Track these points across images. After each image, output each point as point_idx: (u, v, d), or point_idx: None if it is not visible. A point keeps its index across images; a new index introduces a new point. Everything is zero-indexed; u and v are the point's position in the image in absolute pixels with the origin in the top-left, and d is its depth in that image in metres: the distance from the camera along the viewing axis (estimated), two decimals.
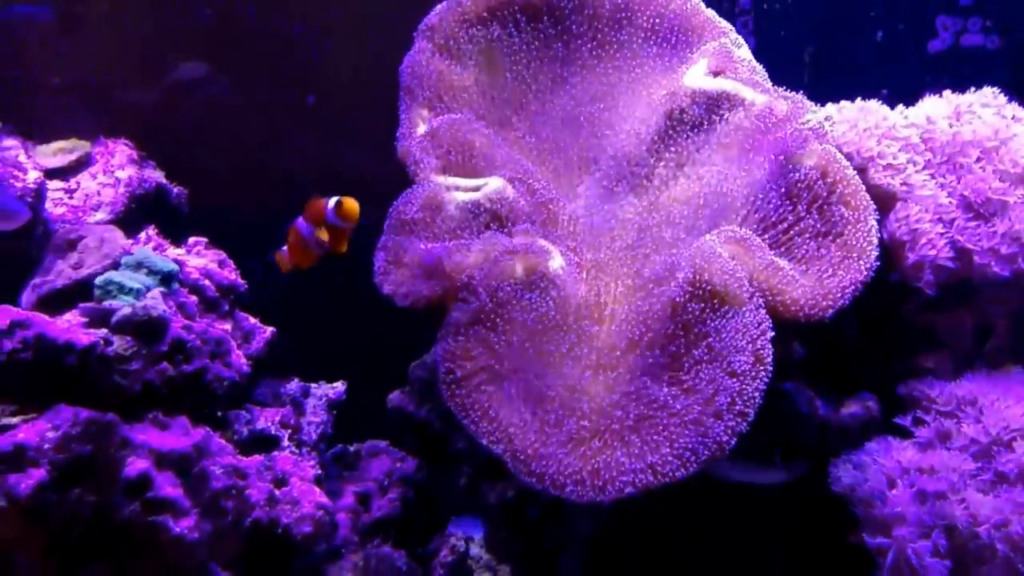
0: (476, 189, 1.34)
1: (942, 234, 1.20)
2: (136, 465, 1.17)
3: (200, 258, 1.48)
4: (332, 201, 1.26)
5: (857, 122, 1.30)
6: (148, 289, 1.31)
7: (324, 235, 1.25)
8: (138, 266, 1.35)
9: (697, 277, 1.12)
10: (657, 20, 1.48)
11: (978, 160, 1.27)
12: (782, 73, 1.40)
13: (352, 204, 1.27)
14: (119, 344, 1.20)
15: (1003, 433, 1.11)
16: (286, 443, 1.49)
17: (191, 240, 1.51)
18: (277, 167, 1.95)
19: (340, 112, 1.94)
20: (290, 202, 1.94)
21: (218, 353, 1.32)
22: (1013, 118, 1.37)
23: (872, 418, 1.23)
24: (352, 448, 1.67)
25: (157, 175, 1.62)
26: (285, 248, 1.32)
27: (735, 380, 1.08)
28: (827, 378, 1.29)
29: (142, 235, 1.50)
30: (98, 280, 1.28)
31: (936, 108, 1.39)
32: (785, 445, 1.22)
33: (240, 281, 1.50)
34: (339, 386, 1.64)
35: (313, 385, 1.63)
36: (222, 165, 1.88)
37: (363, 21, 1.91)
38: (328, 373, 1.69)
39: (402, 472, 1.64)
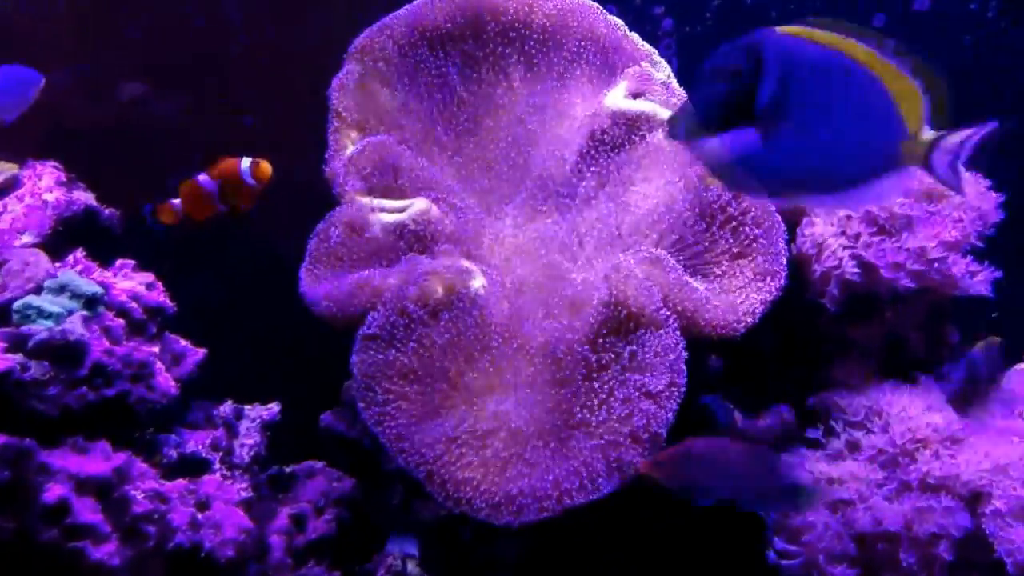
0: (401, 210, 1.35)
1: (846, 248, 1.23)
2: (55, 491, 1.16)
3: (128, 280, 1.47)
4: (247, 160, 1.31)
5: None
6: (70, 313, 1.30)
7: (245, 195, 1.29)
8: (61, 289, 1.34)
9: (613, 298, 1.15)
10: (583, 44, 1.51)
11: None
12: None
13: (267, 164, 1.33)
14: (36, 369, 1.19)
15: (908, 443, 1.14)
16: (217, 466, 1.48)
17: (118, 263, 1.50)
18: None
19: (286, 129, 1.94)
20: (233, 218, 1.95)
21: (141, 376, 1.31)
22: None
23: (787, 429, 1.26)
24: (288, 469, 1.66)
25: (87, 197, 1.60)
26: (176, 202, 1.34)
27: (650, 402, 1.10)
28: (745, 390, 1.32)
29: (70, 258, 1.49)
30: (16, 304, 1.27)
31: None
32: None
33: (169, 303, 1.50)
34: (273, 407, 1.63)
35: (247, 407, 1.62)
36: (163, 183, 1.87)
37: (310, 38, 1.92)
38: (263, 394, 1.68)
39: (339, 492, 1.63)
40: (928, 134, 0.81)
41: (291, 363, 1.82)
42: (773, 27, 0.85)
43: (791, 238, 1.26)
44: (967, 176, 1.32)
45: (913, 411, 1.17)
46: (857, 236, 1.22)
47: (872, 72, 0.80)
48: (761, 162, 0.81)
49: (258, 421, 1.60)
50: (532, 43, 1.53)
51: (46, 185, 1.55)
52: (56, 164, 1.60)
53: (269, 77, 1.90)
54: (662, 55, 1.49)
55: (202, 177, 1.35)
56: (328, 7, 1.87)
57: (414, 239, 1.33)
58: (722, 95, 0.80)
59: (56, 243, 1.52)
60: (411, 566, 1.76)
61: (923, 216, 1.23)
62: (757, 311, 1.15)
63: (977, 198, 1.27)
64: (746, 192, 0.99)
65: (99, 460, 1.21)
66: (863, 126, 0.81)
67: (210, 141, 1.87)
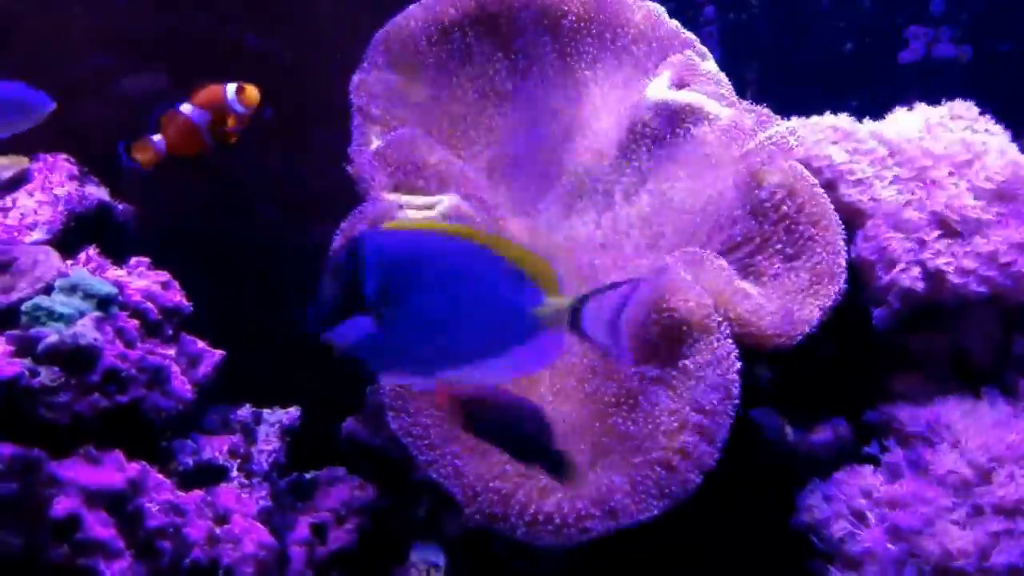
0: (429, 207, 1.28)
1: (912, 252, 1.15)
2: (64, 504, 1.10)
3: (143, 279, 1.40)
4: (232, 86, 1.21)
5: (824, 136, 1.25)
6: (81, 314, 1.23)
7: (232, 121, 1.20)
8: (73, 289, 1.28)
9: (659, 303, 1.07)
10: (620, 32, 1.43)
11: (950, 175, 1.22)
12: (748, 85, 1.36)
13: (254, 88, 1.24)
14: (46, 375, 1.13)
15: (981, 462, 1.05)
16: (235, 474, 1.41)
17: (133, 261, 1.43)
18: (233, 181, 1.88)
19: (300, 125, 1.88)
20: (247, 216, 1.88)
21: (156, 381, 1.25)
22: (986, 131, 1.33)
23: (843, 444, 1.18)
24: (308, 476, 1.60)
25: (100, 192, 1.54)
26: (156, 137, 1.24)
27: (702, 416, 1.02)
28: (797, 402, 1.24)
29: (82, 256, 1.42)
30: (25, 306, 1.20)
31: (906, 121, 1.34)
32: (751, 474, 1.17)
33: (186, 303, 1.43)
34: (293, 411, 1.56)
35: (266, 411, 1.55)
36: (176, 180, 1.82)
37: (324, 31, 1.85)
38: (283, 397, 1.62)
39: (361, 501, 1.57)
40: (567, 298, 0.89)
41: (312, 365, 1.76)
42: (377, 227, 1.06)
43: (849, 240, 1.17)
44: None
45: (982, 427, 1.08)
46: (923, 241, 1.13)
47: (488, 249, 0.89)
48: (379, 345, 0.90)
49: (277, 426, 1.53)
50: (566, 31, 1.45)
51: (58, 179, 1.48)
52: (68, 157, 1.54)
53: (288, 69, 1.84)
54: (704, 44, 1.41)
55: (185, 107, 1.24)
56: None
57: None
58: (336, 290, 0.90)
59: (68, 240, 1.46)
60: None
61: (993, 218, 1.14)
62: (815, 318, 1.07)
63: None
64: (375, 373, 1.04)
65: (112, 471, 1.15)
66: (482, 300, 0.89)
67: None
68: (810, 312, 1.07)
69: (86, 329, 1.18)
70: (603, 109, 1.43)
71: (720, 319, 1.05)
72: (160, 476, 1.19)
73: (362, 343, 0.90)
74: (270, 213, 1.87)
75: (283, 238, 1.82)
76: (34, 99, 1.26)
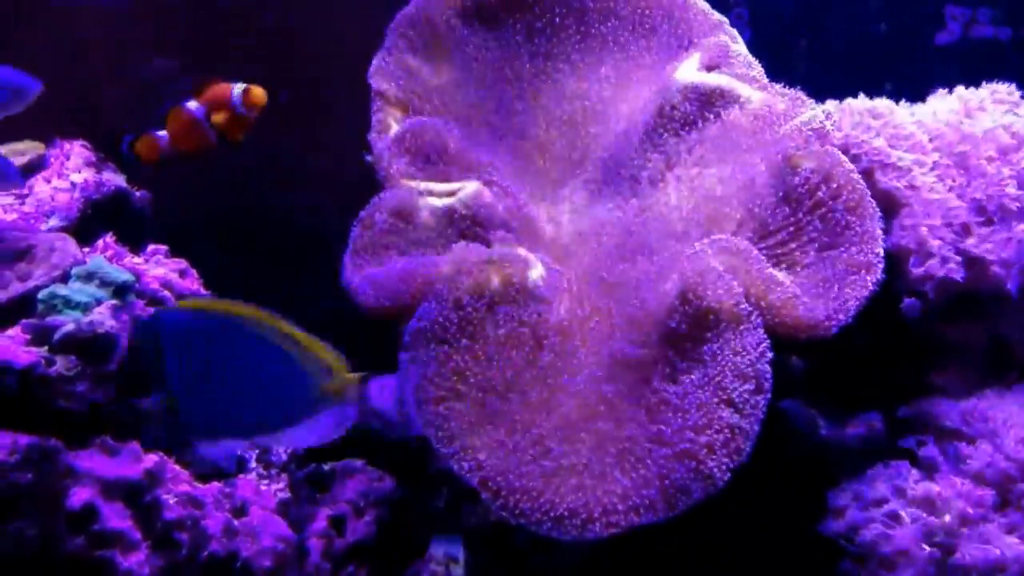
0: (451, 194, 1.25)
1: (951, 242, 1.10)
2: (80, 495, 1.08)
3: (160, 267, 1.39)
4: (239, 86, 1.19)
5: (861, 120, 1.21)
6: (99, 302, 1.21)
7: (237, 125, 1.19)
8: (90, 277, 1.26)
9: (688, 292, 1.03)
10: (647, 12, 1.39)
11: (992, 161, 1.17)
12: (779, 68, 1.31)
13: (260, 90, 1.25)
14: (62, 364, 1.11)
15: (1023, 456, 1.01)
16: (253, 464, 1.40)
17: (150, 248, 1.42)
18: (251, 167, 1.86)
19: (317, 109, 1.85)
20: (265, 203, 1.86)
21: None
22: None
23: (877, 439, 1.14)
24: (327, 467, 1.58)
25: (117, 178, 1.52)
26: (161, 133, 1.23)
27: (731, 409, 0.99)
28: (830, 395, 1.20)
29: (99, 243, 1.40)
30: (41, 294, 1.18)
31: (945, 105, 1.30)
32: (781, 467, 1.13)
33: (203, 291, 1.41)
34: None
35: None
36: (194, 167, 1.80)
37: (343, 13, 1.82)
38: None
39: (379, 492, 1.55)
40: (353, 376, 1.01)
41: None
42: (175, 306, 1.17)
43: (887, 228, 1.13)
44: None
45: (1022, 419, 1.04)
46: (965, 227, 1.09)
47: (269, 330, 1.00)
48: (184, 417, 0.99)
49: None
50: (591, 13, 1.41)
51: (74, 165, 1.46)
52: (85, 143, 1.52)
53: (307, 54, 1.81)
54: (733, 24, 1.37)
55: (191, 104, 1.24)
56: None
57: (465, 225, 1.23)
58: (145, 366, 0.99)
59: (85, 227, 1.44)
60: (456, 570, 1.68)
61: None
62: (851, 308, 1.03)
63: None
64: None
65: (129, 462, 1.13)
66: (265, 377, 0.99)
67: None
68: (846, 302, 1.03)
69: (103, 317, 1.16)
70: (629, 93, 1.39)
71: (751, 308, 1.02)
72: (177, 467, 1.18)
73: (162, 415, 1.01)
74: (288, 200, 1.84)
75: (304, 225, 1.79)
76: (22, 82, 1.25)
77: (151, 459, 1.14)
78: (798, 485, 1.15)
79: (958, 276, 1.10)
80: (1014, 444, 1.01)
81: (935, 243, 1.11)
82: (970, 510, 0.98)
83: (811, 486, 1.13)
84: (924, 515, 1.00)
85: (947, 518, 0.98)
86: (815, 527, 1.09)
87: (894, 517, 1.01)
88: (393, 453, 1.47)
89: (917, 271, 1.11)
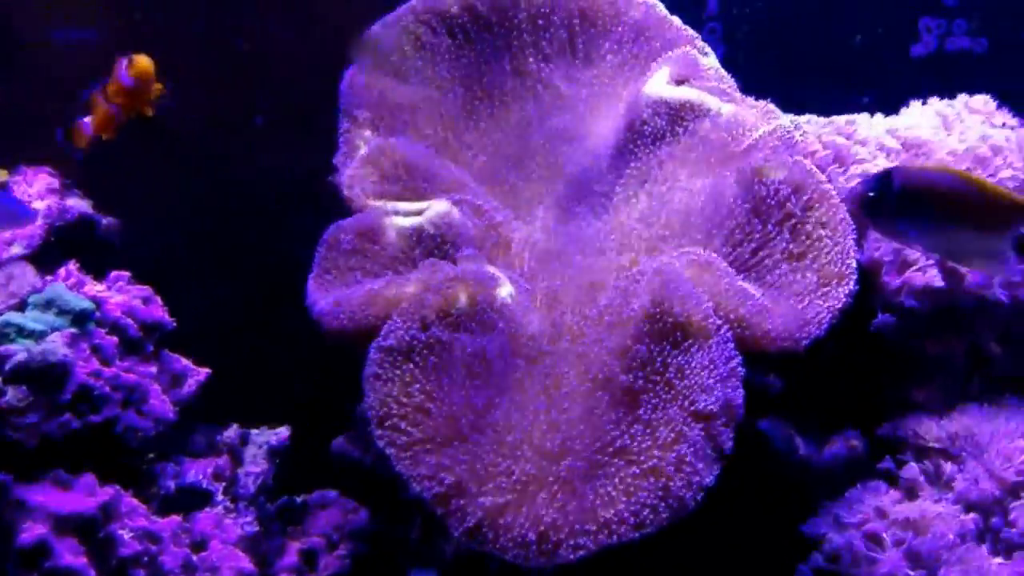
0: (418, 213, 1.22)
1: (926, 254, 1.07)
2: (33, 531, 1.04)
3: (122, 294, 1.35)
4: (124, 60, 1.19)
5: (835, 131, 1.19)
6: (55, 331, 1.18)
7: (115, 94, 1.19)
8: (48, 305, 1.23)
9: (656, 307, 1.00)
10: (617, 28, 1.38)
11: (969, 171, 1.15)
12: (755, 82, 1.29)
13: (143, 60, 1.20)
14: (12, 395, 1.08)
15: (1007, 476, 0.97)
16: (220, 498, 1.35)
17: (112, 275, 1.38)
18: (229, 188, 1.84)
19: (300, 126, 1.83)
20: (240, 227, 1.83)
21: (132, 401, 1.19)
22: (1004, 125, 1.27)
23: (857, 458, 1.10)
24: (299, 500, 1.53)
25: (82, 205, 1.49)
26: (86, 120, 1.23)
27: (700, 425, 0.95)
28: (808, 413, 1.16)
29: (62, 271, 1.37)
30: None
31: (921, 116, 1.28)
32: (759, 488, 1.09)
33: (168, 319, 1.37)
34: (282, 431, 1.50)
35: (254, 431, 1.49)
36: (170, 189, 1.78)
37: (319, 31, 1.81)
38: (272, 416, 1.56)
39: (354, 524, 1.50)
40: None
41: (302, 383, 1.70)
42: None
43: (861, 241, 1.10)
44: None
45: (1007, 438, 1.00)
46: None
47: None
48: None
49: (265, 447, 1.47)
50: (563, 29, 1.40)
51: (37, 192, 1.44)
52: (49, 169, 1.49)
53: (281, 76, 1.79)
54: (706, 40, 1.35)
55: (100, 91, 1.22)
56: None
57: (434, 245, 1.20)
58: None
59: (48, 254, 1.41)
60: None
61: None
62: (823, 321, 1.00)
63: None
64: None
65: (83, 495, 1.09)
66: None
67: (219, 143, 1.78)
68: (817, 315, 1.00)
69: (56, 346, 1.12)
70: (601, 109, 1.37)
71: (720, 322, 0.99)
72: (135, 501, 1.14)
73: None
74: (264, 223, 1.82)
75: (279, 248, 1.77)
76: (18, 210, 1.25)
77: (106, 492, 1.10)
78: (777, 505, 1.11)
79: (936, 287, 1.07)
80: (1000, 463, 0.98)
81: (912, 255, 1.08)
82: (952, 531, 0.94)
83: (790, 506, 1.09)
84: (908, 537, 0.96)
85: (929, 540, 0.93)
86: (794, 548, 1.05)
87: (876, 540, 0.97)
88: (365, 482, 1.42)
89: (893, 284, 1.08)
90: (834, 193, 1.07)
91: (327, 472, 1.49)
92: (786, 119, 1.15)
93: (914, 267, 1.08)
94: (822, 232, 1.04)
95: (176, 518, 1.17)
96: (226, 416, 1.50)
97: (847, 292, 1.01)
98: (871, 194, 0.98)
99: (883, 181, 0.98)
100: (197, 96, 1.78)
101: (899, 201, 0.98)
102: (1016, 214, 0.95)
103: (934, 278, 1.07)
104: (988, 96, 1.28)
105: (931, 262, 1.08)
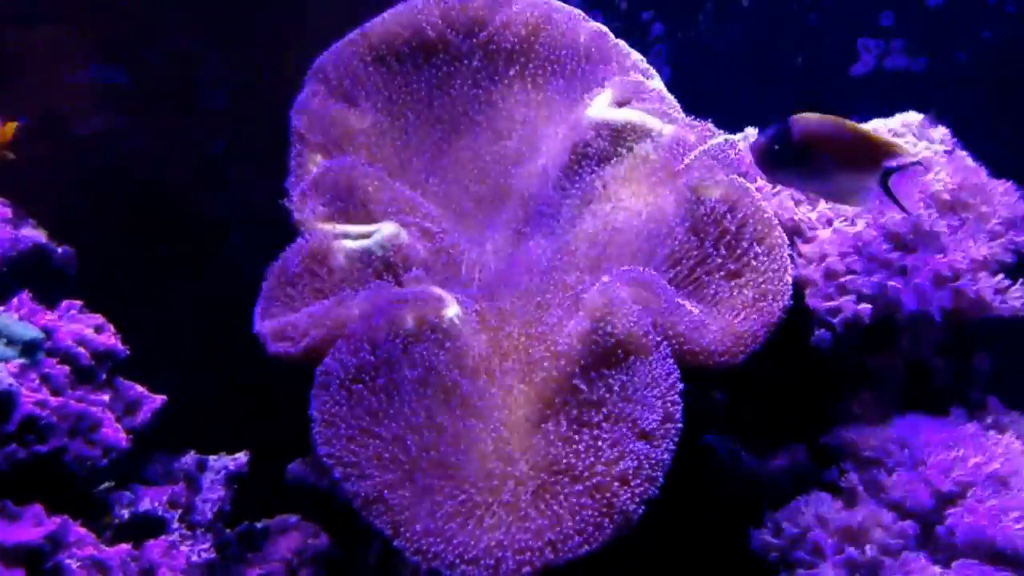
0: (367, 236, 1.23)
1: (861, 269, 1.10)
2: None
3: (75, 323, 1.35)
4: None
5: None
6: (3, 361, 1.17)
7: None
8: None
9: (598, 325, 1.02)
10: (564, 52, 1.40)
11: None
12: (702, 104, 1.32)
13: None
14: None
15: (945, 485, 0.99)
16: (175, 525, 1.35)
17: (65, 304, 1.38)
18: (186, 215, 1.84)
19: (262, 154, 1.85)
20: (204, 250, 1.84)
21: (80, 430, 1.19)
22: (941, 142, 1.29)
23: (802, 470, 1.12)
24: (260, 525, 1.53)
25: (36, 235, 1.49)
26: None
27: (643, 441, 0.96)
28: (754, 426, 1.18)
29: (14, 301, 1.37)
30: None
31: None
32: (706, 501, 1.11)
33: (120, 347, 1.37)
34: (241, 457, 1.50)
35: (211, 457, 1.48)
36: (132, 219, 1.78)
37: (284, 58, 1.83)
38: (232, 442, 1.55)
39: (314, 549, 1.50)
40: None
41: (262, 407, 1.70)
42: None
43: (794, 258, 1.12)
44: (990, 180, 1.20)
45: (942, 446, 1.02)
46: (875, 254, 1.08)
47: None
48: None
49: (223, 473, 1.47)
50: (512, 54, 1.42)
51: None
52: (2, 200, 1.49)
53: (243, 100, 1.81)
54: (652, 62, 1.38)
55: None
56: (303, 25, 1.78)
57: (383, 267, 1.21)
58: None
59: (1, 285, 1.41)
60: None
61: (947, 231, 1.09)
62: (759, 335, 1.02)
63: (1007, 207, 1.14)
64: None
65: (29, 526, 1.09)
66: None
67: (177, 169, 1.79)
68: (753, 329, 1.01)
69: (1, 376, 1.12)
70: (549, 131, 1.39)
71: (660, 339, 1.00)
72: (83, 530, 1.13)
73: None
74: (222, 248, 1.83)
75: (236, 273, 1.77)
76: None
77: (53, 522, 1.10)
78: (724, 517, 1.12)
79: (868, 304, 1.09)
80: (933, 473, 0.99)
81: (843, 271, 1.11)
82: (891, 540, 0.95)
83: (737, 518, 1.10)
84: (847, 547, 0.97)
85: (869, 549, 0.95)
86: (741, 560, 1.06)
87: (817, 551, 0.98)
88: (324, 506, 1.42)
89: (826, 303, 1.10)
90: (768, 210, 1.09)
91: (291, 497, 1.48)
92: (723, 138, 1.18)
93: (843, 284, 1.09)
94: (757, 249, 1.06)
95: (125, 547, 1.17)
96: (185, 443, 1.50)
97: (782, 307, 1.03)
98: (776, 146, 1.02)
99: (783, 132, 1.03)
100: (155, 121, 1.80)
101: (798, 150, 1.02)
102: (882, 152, 1.03)
103: (867, 296, 1.09)
104: (922, 114, 1.31)
105: (864, 280, 1.09)
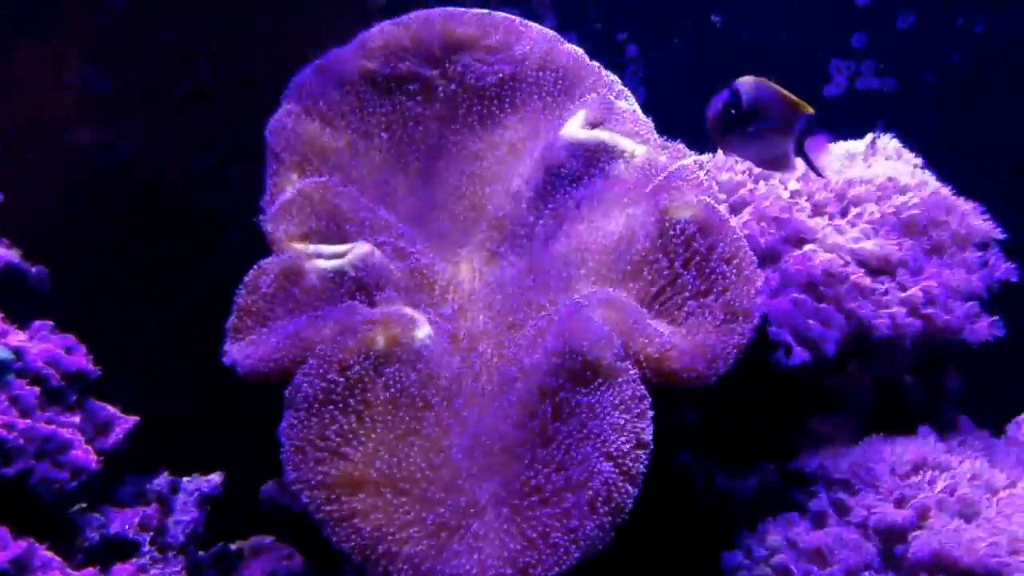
0: (340, 256, 1.23)
1: (832, 296, 1.10)
2: None
3: (45, 343, 1.34)
4: None
5: (744, 172, 1.22)
6: None
7: None
8: None
9: (568, 346, 1.02)
10: (540, 74, 1.41)
11: (870, 209, 1.19)
12: (678, 125, 1.32)
13: None
14: None
15: (910, 506, 0.99)
16: (147, 548, 1.33)
17: (36, 324, 1.37)
18: (163, 235, 1.83)
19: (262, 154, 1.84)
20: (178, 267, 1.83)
21: (47, 452, 1.17)
22: (914, 166, 1.31)
23: (774, 490, 1.12)
24: (234, 547, 1.52)
25: (10, 254, 1.48)
26: None
27: (611, 464, 0.96)
28: (726, 447, 1.18)
29: None
30: None
31: (830, 156, 1.31)
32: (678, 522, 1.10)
33: (91, 367, 1.36)
34: (215, 477, 1.49)
35: (185, 478, 1.47)
36: (132, 220, 1.77)
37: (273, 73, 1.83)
38: (206, 462, 1.54)
39: (288, 571, 1.49)
40: None
41: (237, 427, 1.69)
42: None
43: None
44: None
45: (910, 466, 1.02)
46: (842, 280, 1.09)
47: None
48: None
49: (196, 494, 1.45)
50: (489, 76, 1.42)
51: None
52: None
53: (242, 100, 1.80)
54: (627, 83, 1.39)
55: None
56: (304, 25, 1.78)
57: (356, 287, 1.21)
58: None
59: None
60: None
61: (920, 253, 1.10)
62: (730, 356, 1.02)
63: (973, 227, 1.16)
64: None
65: None
66: None
67: (176, 169, 1.78)
68: (724, 350, 1.02)
69: None
70: (524, 152, 1.39)
71: (630, 360, 1.00)
72: (48, 554, 1.11)
73: None
74: (197, 266, 1.82)
75: (215, 291, 1.77)
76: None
77: (19, 545, 1.09)
78: (696, 538, 1.12)
79: (830, 349, 1.10)
80: (900, 493, 1.00)
81: (809, 303, 1.11)
82: (854, 561, 0.95)
83: (710, 538, 1.10)
84: (814, 568, 0.97)
85: (834, 570, 0.95)
86: None
87: (784, 572, 0.98)
88: (296, 528, 1.41)
89: (788, 337, 1.11)
90: (737, 231, 1.09)
91: (265, 518, 1.47)
92: (693, 159, 1.19)
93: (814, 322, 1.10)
94: (726, 268, 1.06)
95: (91, 571, 1.15)
96: (158, 464, 1.48)
97: (751, 327, 1.03)
98: (733, 111, 1.05)
99: (735, 98, 1.06)
100: (140, 134, 1.79)
101: (746, 115, 1.05)
102: (798, 113, 1.06)
103: (832, 342, 1.10)
104: (892, 135, 1.32)
105: (833, 309, 1.10)
